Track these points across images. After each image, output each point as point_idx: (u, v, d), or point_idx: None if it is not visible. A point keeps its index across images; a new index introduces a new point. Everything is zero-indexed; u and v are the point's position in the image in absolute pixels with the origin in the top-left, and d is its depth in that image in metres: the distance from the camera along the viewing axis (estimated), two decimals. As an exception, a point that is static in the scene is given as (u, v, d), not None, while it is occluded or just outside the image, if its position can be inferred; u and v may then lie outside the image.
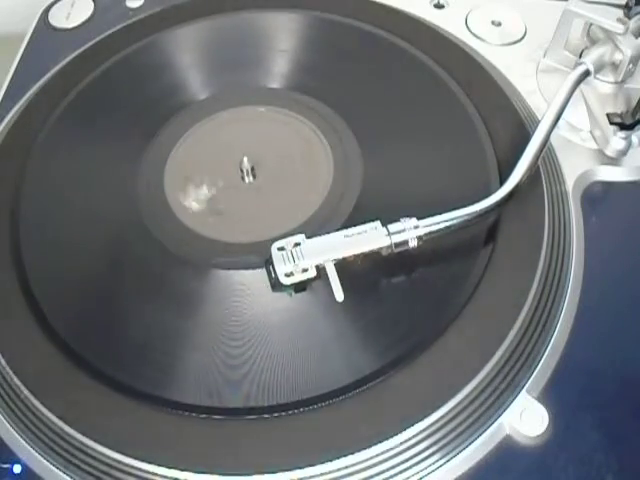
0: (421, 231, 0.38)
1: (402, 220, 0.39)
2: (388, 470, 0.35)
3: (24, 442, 0.38)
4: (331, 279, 0.37)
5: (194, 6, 0.58)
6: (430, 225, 0.39)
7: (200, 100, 0.52)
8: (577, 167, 0.46)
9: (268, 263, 0.38)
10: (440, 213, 0.39)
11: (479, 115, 0.47)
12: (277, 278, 0.37)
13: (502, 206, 0.40)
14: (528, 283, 0.39)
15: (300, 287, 0.38)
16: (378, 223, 0.39)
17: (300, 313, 0.40)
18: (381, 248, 0.38)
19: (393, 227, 0.38)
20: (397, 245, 0.38)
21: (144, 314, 0.41)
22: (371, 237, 0.38)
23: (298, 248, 0.38)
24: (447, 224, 0.39)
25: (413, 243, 0.38)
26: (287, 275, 0.37)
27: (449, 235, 0.40)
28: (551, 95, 0.45)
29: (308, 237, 0.38)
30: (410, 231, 0.38)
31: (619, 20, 0.46)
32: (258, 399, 0.37)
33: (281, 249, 0.38)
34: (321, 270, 0.37)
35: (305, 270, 0.37)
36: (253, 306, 0.41)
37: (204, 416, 0.36)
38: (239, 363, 0.39)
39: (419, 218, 0.39)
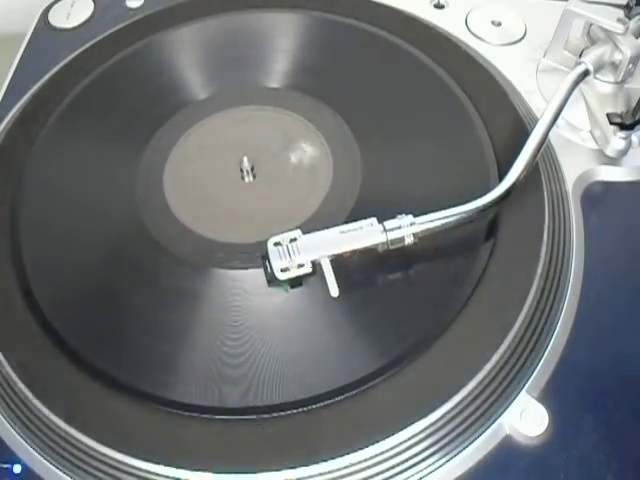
0: (417, 228, 0.38)
1: (398, 217, 0.39)
2: (388, 470, 0.35)
3: (24, 442, 0.38)
4: (326, 275, 0.37)
5: (194, 6, 0.58)
6: (426, 222, 0.39)
7: (200, 100, 0.52)
8: (577, 167, 0.46)
9: (264, 258, 0.38)
10: (438, 211, 0.39)
11: (479, 115, 0.47)
12: (273, 273, 0.37)
13: (499, 204, 0.40)
14: (528, 283, 0.39)
15: (296, 282, 0.38)
16: (374, 219, 0.39)
17: (299, 313, 0.40)
18: (377, 244, 0.38)
19: (389, 224, 0.38)
20: (393, 242, 0.38)
21: (144, 314, 0.41)
22: (367, 233, 0.38)
23: (294, 244, 0.38)
24: (443, 221, 0.39)
25: (409, 240, 0.38)
26: (283, 270, 0.37)
27: (449, 235, 0.40)
28: (551, 95, 0.45)
29: (305, 233, 0.38)
30: (406, 228, 0.38)
31: (619, 20, 0.46)
32: (258, 398, 0.37)
33: (277, 244, 0.38)
34: (317, 266, 0.38)
35: (301, 265, 0.37)
36: (252, 306, 0.41)
37: (204, 416, 0.36)
38: (238, 363, 0.39)
39: (416, 215, 0.39)
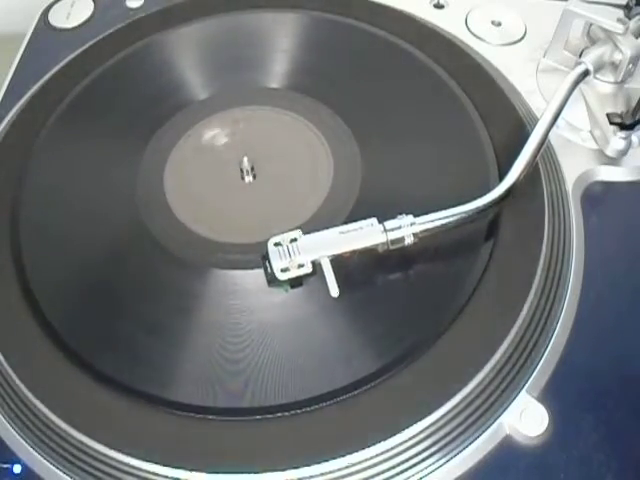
0: (417, 228, 0.38)
1: (399, 217, 0.39)
2: (388, 470, 0.35)
3: (24, 442, 0.38)
4: (326, 275, 0.37)
5: (194, 6, 0.58)
6: (426, 222, 0.39)
7: (200, 100, 0.52)
8: (577, 167, 0.46)
9: (264, 258, 0.38)
10: (438, 211, 0.39)
11: (479, 115, 0.47)
12: (273, 273, 0.37)
13: (500, 204, 0.40)
14: (528, 283, 0.39)
15: (296, 282, 0.38)
16: (374, 220, 0.39)
17: (299, 313, 0.40)
18: (377, 245, 0.38)
19: (389, 224, 0.38)
20: (393, 242, 0.38)
21: (144, 314, 0.41)
22: (367, 233, 0.38)
23: (294, 244, 0.38)
24: (443, 222, 0.39)
25: (409, 240, 0.38)
26: (283, 270, 0.37)
27: (450, 235, 0.40)
28: (551, 95, 0.45)
29: (305, 233, 0.38)
30: (406, 228, 0.38)
31: (619, 20, 0.46)
32: (258, 399, 0.37)
33: (277, 245, 0.38)
34: (317, 266, 0.38)
35: (301, 266, 0.37)
36: (252, 306, 0.41)
37: (204, 416, 0.36)
38: (238, 363, 0.39)
39: (416, 215, 0.39)
